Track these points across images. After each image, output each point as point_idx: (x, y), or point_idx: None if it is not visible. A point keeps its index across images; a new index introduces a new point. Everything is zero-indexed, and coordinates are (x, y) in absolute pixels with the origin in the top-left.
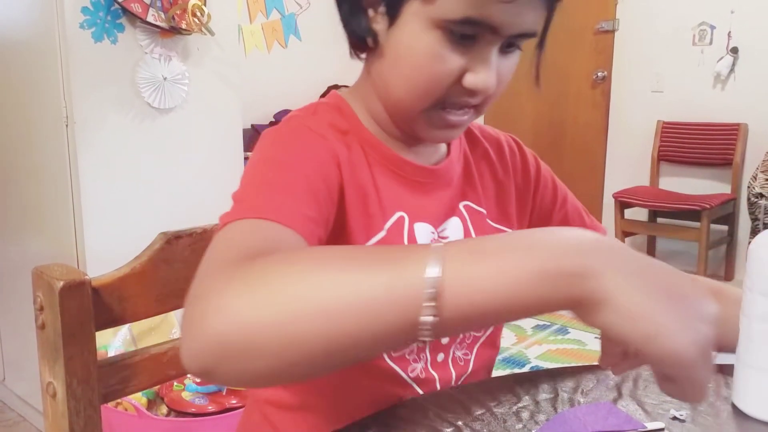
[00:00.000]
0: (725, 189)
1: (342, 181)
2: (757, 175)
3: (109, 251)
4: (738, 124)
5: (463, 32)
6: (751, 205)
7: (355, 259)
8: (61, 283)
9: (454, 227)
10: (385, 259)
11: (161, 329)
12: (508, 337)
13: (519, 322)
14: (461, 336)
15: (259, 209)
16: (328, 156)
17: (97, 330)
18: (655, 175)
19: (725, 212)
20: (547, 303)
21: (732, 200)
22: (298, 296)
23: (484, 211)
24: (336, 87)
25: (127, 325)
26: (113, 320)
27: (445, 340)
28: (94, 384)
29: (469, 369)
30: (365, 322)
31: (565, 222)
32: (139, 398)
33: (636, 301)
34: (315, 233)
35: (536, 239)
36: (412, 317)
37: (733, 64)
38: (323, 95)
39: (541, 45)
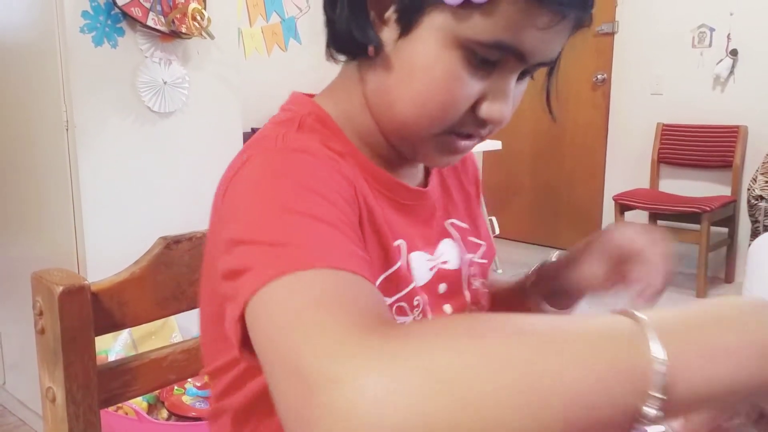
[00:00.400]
0: (725, 191)
1: (360, 210)
2: (756, 177)
3: (109, 255)
4: (738, 126)
5: (487, 56)
6: (751, 207)
7: (545, 333)
8: (61, 288)
9: (448, 250)
10: (589, 336)
11: (162, 333)
12: None
13: None
14: None
15: (319, 254)
16: (346, 182)
17: (96, 335)
18: (655, 177)
19: (725, 215)
20: None
21: (732, 202)
22: (491, 379)
23: (467, 226)
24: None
25: (127, 330)
26: (113, 325)
27: None
28: (93, 389)
29: None
30: (578, 408)
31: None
32: (139, 402)
33: None
34: (372, 274)
35: (744, 311)
36: (632, 406)
37: (733, 66)
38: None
39: (551, 72)
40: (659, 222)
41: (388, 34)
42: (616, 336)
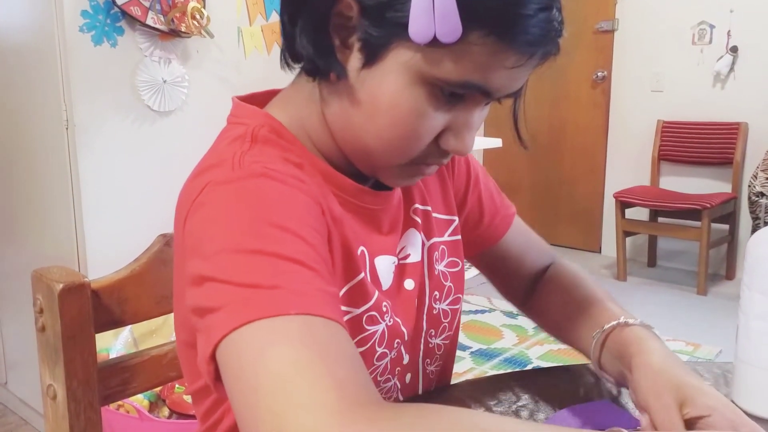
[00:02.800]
0: (726, 188)
1: (328, 226)
2: (757, 173)
3: (109, 253)
4: (738, 123)
5: (455, 91)
6: (752, 204)
7: None
8: (61, 286)
9: (411, 242)
10: None
11: (162, 331)
12: (509, 338)
13: (520, 322)
14: (424, 347)
15: (296, 301)
16: (312, 202)
17: (96, 332)
18: (655, 174)
19: (726, 211)
20: None
21: (733, 199)
22: None
23: (429, 208)
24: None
25: (128, 328)
26: (113, 322)
27: (405, 359)
28: (94, 386)
29: (435, 380)
30: None
31: (479, 203)
32: (140, 400)
33: None
34: (340, 309)
35: None
36: None
37: (733, 63)
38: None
39: (516, 97)
40: (660, 219)
41: (352, 61)
42: None
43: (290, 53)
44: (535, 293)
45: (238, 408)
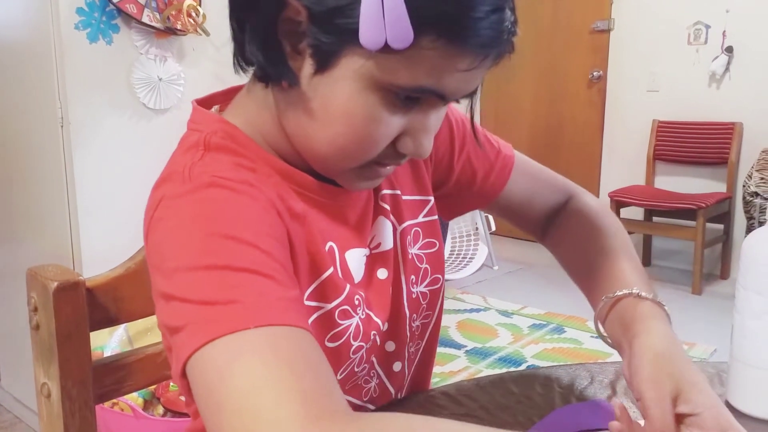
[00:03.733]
0: (721, 188)
1: (287, 227)
2: (752, 173)
3: (104, 251)
4: (733, 123)
5: (409, 95)
6: (747, 203)
7: None
8: (55, 284)
9: (381, 231)
10: None
11: (157, 329)
12: (504, 336)
13: (515, 321)
14: (410, 333)
15: (256, 313)
16: (266, 206)
17: (91, 330)
18: (650, 174)
19: (721, 211)
20: None
21: (727, 199)
22: None
23: (398, 192)
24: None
25: (123, 326)
26: (108, 320)
27: (391, 347)
28: (88, 384)
29: (416, 359)
30: None
31: (469, 164)
32: (135, 399)
33: None
34: (304, 313)
35: None
36: None
37: (728, 63)
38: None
39: (474, 94)
40: (655, 218)
41: (304, 68)
42: None
43: (242, 58)
44: (551, 229)
45: (207, 426)
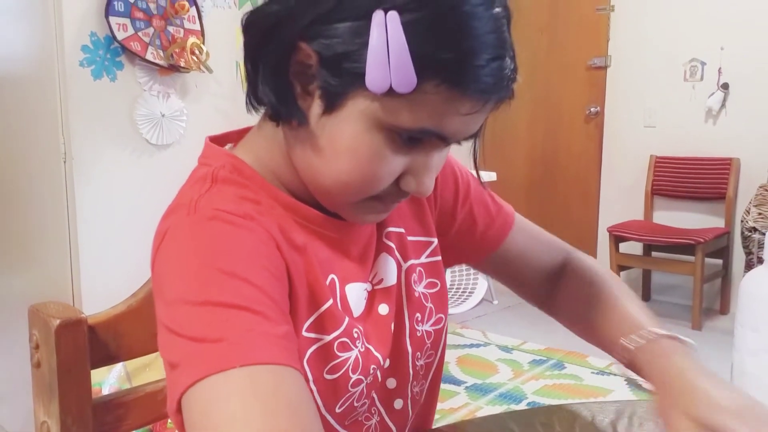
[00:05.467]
0: (719, 223)
1: (285, 260)
2: (750, 209)
3: (105, 287)
4: (730, 159)
5: (412, 137)
6: (745, 239)
7: None
8: (58, 322)
9: (384, 267)
10: None
11: (156, 365)
12: (504, 372)
13: (515, 357)
14: (413, 371)
15: (241, 352)
16: (265, 240)
17: (92, 368)
18: (649, 208)
19: (719, 246)
20: None
21: (726, 234)
22: None
23: (403, 230)
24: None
25: (121, 362)
26: (109, 358)
27: (392, 384)
28: (88, 423)
29: (422, 399)
30: None
31: (471, 216)
32: None
33: None
34: (295, 349)
35: None
36: None
37: (724, 100)
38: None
39: (476, 137)
40: (653, 253)
41: (313, 108)
42: None
43: (254, 97)
44: (554, 291)
45: None
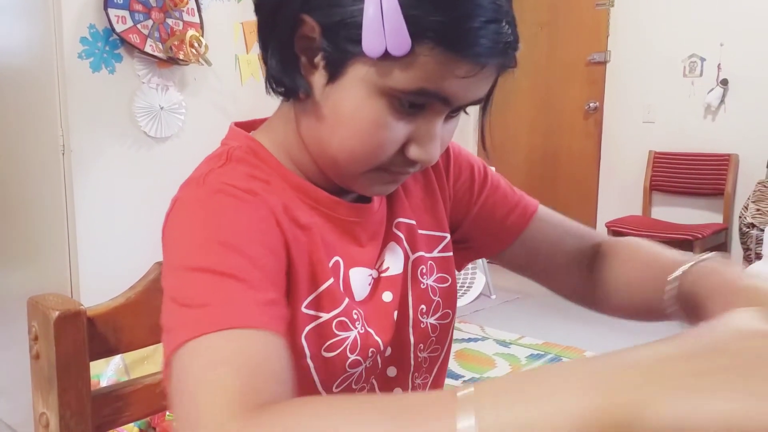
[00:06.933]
0: (717, 219)
1: (285, 237)
2: (748, 205)
3: (103, 280)
4: (729, 155)
5: (413, 101)
6: (743, 235)
7: (380, 412)
8: (57, 314)
9: (392, 256)
10: (412, 416)
11: (154, 358)
12: (502, 367)
13: (513, 351)
14: (414, 362)
15: (220, 317)
16: (263, 214)
17: (90, 360)
18: (647, 204)
19: (717, 242)
20: None
21: (724, 230)
22: None
23: (414, 222)
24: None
25: (119, 354)
26: (108, 350)
27: (392, 372)
28: (87, 415)
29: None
30: None
31: (489, 204)
32: (131, 428)
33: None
34: (281, 316)
35: (577, 373)
36: None
37: (723, 96)
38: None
39: (485, 108)
40: None
41: (318, 79)
42: (438, 411)
43: (268, 80)
44: (589, 275)
45: (174, 414)
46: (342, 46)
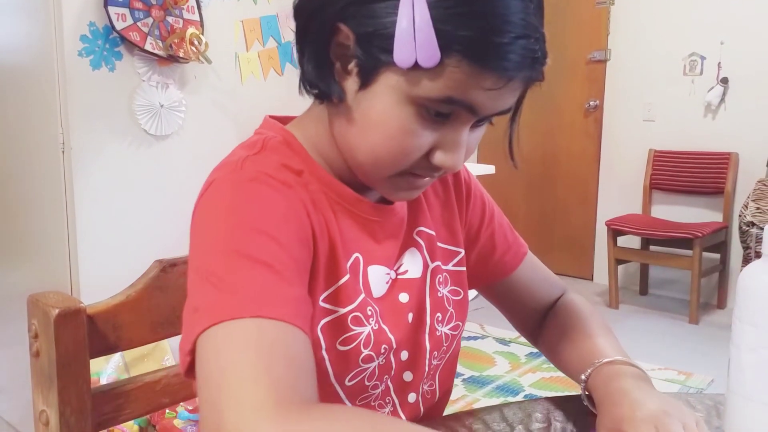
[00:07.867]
0: (717, 217)
1: (313, 230)
2: (748, 203)
3: (103, 278)
4: (729, 153)
5: (440, 110)
6: (743, 233)
7: None
8: (57, 311)
9: (411, 260)
10: None
11: (154, 356)
12: (501, 365)
13: (512, 349)
14: (428, 368)
15: (255, 304)
16: (297, 207)
17: (90, 358)
18: (647, 203)
19: (717, 240)
20: None
21: (724, 228)
22: None
23: (434, 233)
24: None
25: (119, 352)
26: (107, 348)
27: (408, 377)
28: (87, 412)
29: (436, 398)
30: None
31: (492, 240)
32: (130, 426)
33: None
34: (307, 314)
35: None
36: None
37: (724, 94)
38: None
39: (513, 119)
40: (651, 247)
41: (350, 85)
42: None
43: (303, 81)
44: (541, 324)
45: (199, 397)
46: (375, 55)
